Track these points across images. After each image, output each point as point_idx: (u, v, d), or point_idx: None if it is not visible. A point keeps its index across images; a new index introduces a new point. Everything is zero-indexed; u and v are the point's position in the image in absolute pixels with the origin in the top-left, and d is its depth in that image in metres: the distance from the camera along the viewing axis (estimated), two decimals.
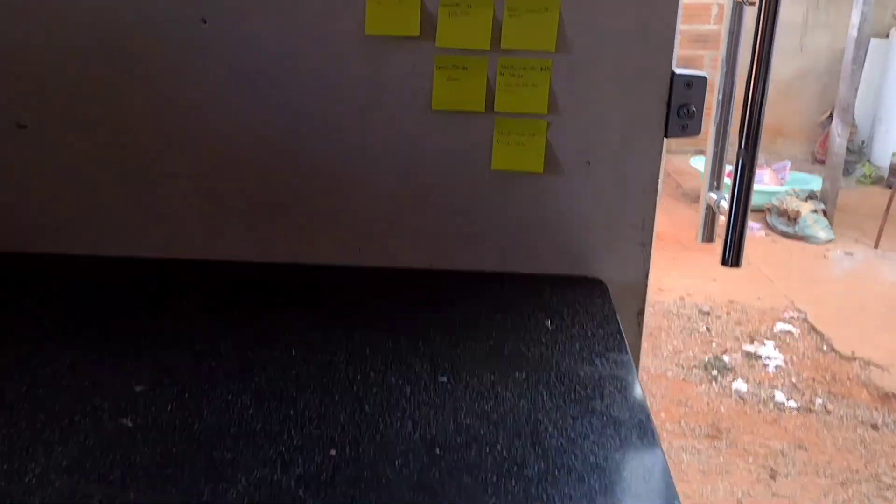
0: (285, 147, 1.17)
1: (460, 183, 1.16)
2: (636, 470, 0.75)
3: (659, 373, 2.68)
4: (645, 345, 2.72)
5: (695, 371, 2.71)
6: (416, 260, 1.22)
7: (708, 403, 2.50)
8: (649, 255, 1.18)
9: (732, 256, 1.11)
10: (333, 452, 0.76)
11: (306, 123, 1.15)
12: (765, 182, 4.45)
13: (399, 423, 0.81)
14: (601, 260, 1.18)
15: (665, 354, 2.82)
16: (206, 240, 1.22)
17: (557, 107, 1.11)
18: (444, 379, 0.90)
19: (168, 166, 1.18)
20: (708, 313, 3.16)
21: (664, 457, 0.77)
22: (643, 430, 0.81)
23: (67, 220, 1.21)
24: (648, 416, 0.84)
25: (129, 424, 0.80)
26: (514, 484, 0.72)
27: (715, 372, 2.70)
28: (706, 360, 2.79)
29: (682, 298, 3.28)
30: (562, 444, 0.78)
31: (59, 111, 1.15)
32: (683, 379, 2.65)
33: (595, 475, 0.74)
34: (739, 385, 2.61)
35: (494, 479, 0.73)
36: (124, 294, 1.11)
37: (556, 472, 0.74)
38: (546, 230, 1.17)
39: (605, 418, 0.83)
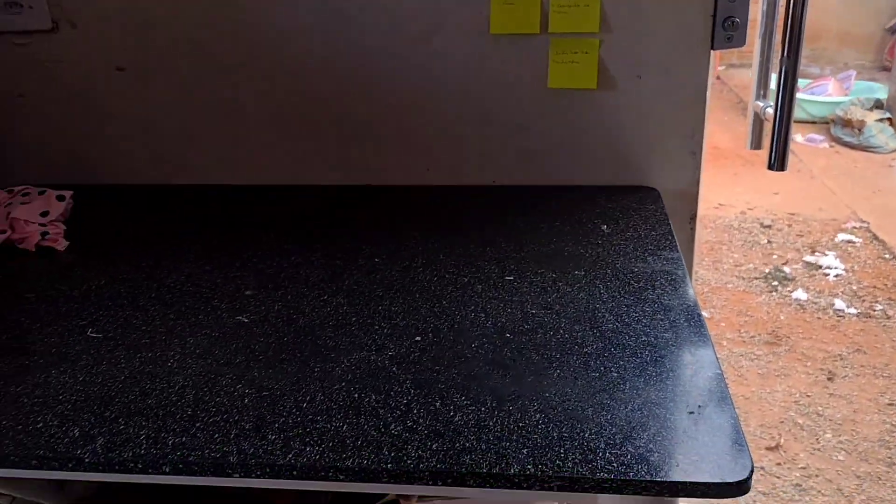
0: (355, 80, 1.27)
1: (519, 102, 1.25)
2: (683, 345, 0.85)
3: (719, 285, 2.75)
4: (705, 258, 2.78)
5: (755, 282, 2.76)
6: (479, 177, 1.32)
7: (768, 312, 2.57)
8: (700, 162, 1.26)
9: (777, 160, 1.17)
10: (418, 338, 0.89)
11: (374, 55, 1.25)
12: (828, 92, 4.36)
13: (473, 314, 0.93)
14: (654, 169, 1.27)
15: (726, 267, 2.87)
16: (288, 168, 1.35)
17: (608, 25, 1.18)
18: (511, 278, 1.02)
19: (252, 103, 1.30)
20: (769, 226, 3.18)
21: (708, 334, 0.87)
22: (690, 315, 0.91)
23: (164, 153, 1.35)
24: (695, 303, 0.94)
25: (245, 320, 0.93)
26: (574, 359, 0.84)
27: (775, 282, 2.75)
28: (767, 271, 2.84)
29: (743, 213, 3.30)
30: (617, 327, 0.89)
31: (153, 54, 1.28)
32: (744, 290, 2.72)
33: (647, 351, 0.84)
34: (800, 294, 2.66)
35: (558, 355, 0.84)
36: (223, 216, 1.25)
37: (612, 349, 0.85)
38: (601, 143, 1.26)
39: (656, 305, 0.93)
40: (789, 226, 3.19)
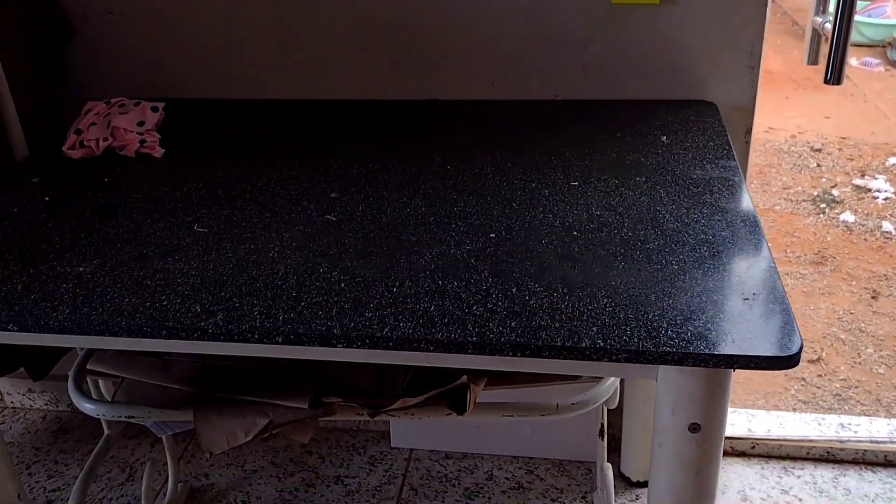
0: None
1: (582, 18, 1.30)
2: (739, 242, 0.92)
3: (767, 207, 2.78)
4: (754, 181, 2.79)
5: (803, 204, 2.79)
6: (542, 92, 1.38)
7: (815, 233, 2.60)
8: (757, 77, 1.30)
9: (834, 75, 1.21)
10: (493, 235, 0.97)
11: None
12: (886, 14, 4.24)
13: (542, 215, 1.01)
14: (713, 83, 1.31)
15: (774, 190, 2.89)
16: (359, 83, 1.42)
17: None
18: (576, 183, 1.09)
19: (327, 21, 1.37)
20: (819, 150, 3.18)
21: (762, 233, 0.94)
22: (746, 216, 0.98)
23: (244, 69, 1.43)
24: (751, 206, 1.01)
25: (333, 219, 1.03)
26: (638, 254, 0.91)
27: (823, 205, 2.77)
28: (815, 194, 2.85)
29: (793, 136, 3.29)
30: (677, 226, 0.97)
31: None
32: (791, 212, 2.74)
33: (705, 247, 0.92)
34: (847, 216, 2.68)
35: (622, 251, 0.92)
36: (301, 128, 1.34)
37: (673, 245, 0.92)
38: (661, 58, 1.30)
39: (713, 208, 1.00)
40: (840, 150, 3.18)
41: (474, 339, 0.79)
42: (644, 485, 1.60)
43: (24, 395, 1.86)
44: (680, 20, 1.27)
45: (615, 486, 1.50)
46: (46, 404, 1.88)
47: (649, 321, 0.80)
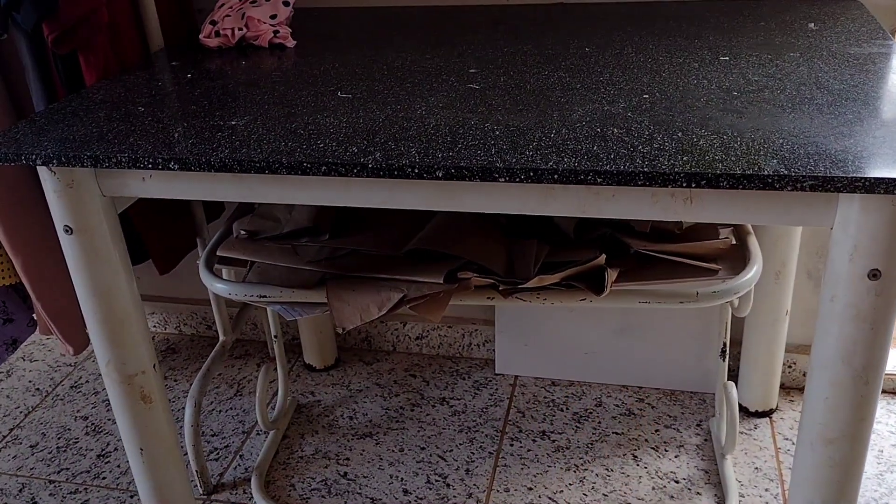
0: None
1: None
2: None
3: None
4: None
5: None
6: None
7: None
8: None
9: None
10: (646, 96, 0.94)
11: None
12: None
13: (696, 81, 0.97)
14: None
15: None
16: None
17: None
18: (727, 58, 1.05)
19: None
20: None
21: None
22: None
23: None
24: None
25: (476, 87, 1.01)
26: (807, 108, 0.87)
27: None
28: None
29: None
30: (844, 88, 0.92)
31: None
32: None
33: (878, 101, 0.87)
34: None
35: (790, 105, 0.88)
36: (431, 26, 1.33)
37: (843, 101, 0.88)
38: None
39: (878, 75, 0.95)
40: None
41: (646, 169, 0.76)
42: (763, 415, 1.54)
43: None
44: None
45: None
46: (154, 326, 1.91)
47: (832, 155, 0.75)
